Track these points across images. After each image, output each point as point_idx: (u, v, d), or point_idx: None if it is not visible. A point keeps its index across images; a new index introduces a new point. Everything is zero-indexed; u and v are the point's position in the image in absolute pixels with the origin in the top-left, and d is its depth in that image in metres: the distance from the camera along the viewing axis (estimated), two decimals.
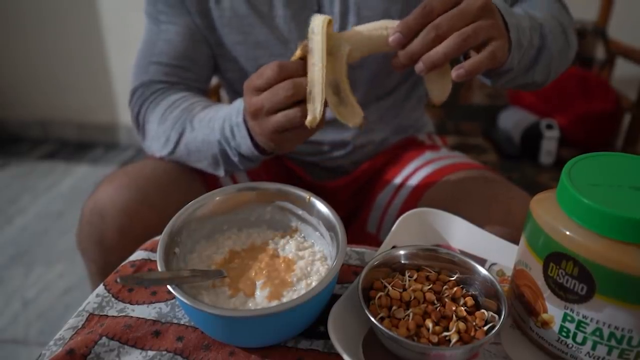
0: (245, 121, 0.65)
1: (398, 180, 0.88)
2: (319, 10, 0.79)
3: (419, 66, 0.54)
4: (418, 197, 0.81)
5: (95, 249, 0.74)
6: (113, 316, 0.52)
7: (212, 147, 0.72)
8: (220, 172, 0.76)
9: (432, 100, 0.60)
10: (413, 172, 0.86)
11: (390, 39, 0.55)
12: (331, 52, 0.57)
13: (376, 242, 0.85)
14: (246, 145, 0.67)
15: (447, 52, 0.53)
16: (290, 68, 0.56)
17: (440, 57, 0.53)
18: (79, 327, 0.51)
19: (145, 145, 0.84)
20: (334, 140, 0.89)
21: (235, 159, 0.71)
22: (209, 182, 0.83)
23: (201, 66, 0.85)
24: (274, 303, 0.49)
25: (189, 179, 0.81)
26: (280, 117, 0.57)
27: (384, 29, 0.56)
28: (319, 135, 0.88)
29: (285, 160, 0.94)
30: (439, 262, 0.53)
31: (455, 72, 0.54)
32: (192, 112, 0.76)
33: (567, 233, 0.42)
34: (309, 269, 0.53)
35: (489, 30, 0.54)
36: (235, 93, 0.91)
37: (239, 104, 0.67)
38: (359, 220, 0.92)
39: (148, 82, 0.82)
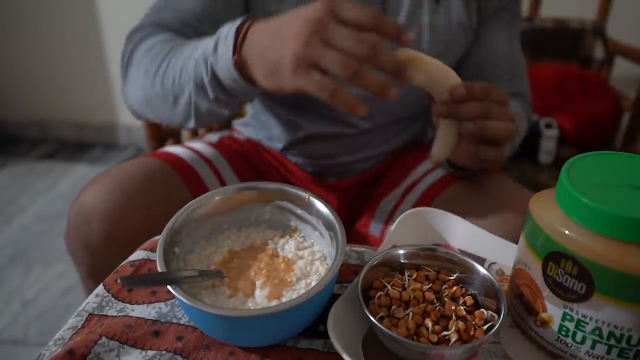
0: (237, 32, 0.60)
1: (404, 186, 0.87)
2: (384, 8, 0.80)
3: (469, 127, 0.62)
4: (427, 204, 0.81)
5: (83, 253, 0.73)
6: (113, 316, 0.52)
7: (188, 77, 0.65)
8: (190, 123, 0.72)
9: (433, 156, 0.67)
10: (420, 178, 0.86)
11: (456, 91, 0.61)
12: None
13: (379, 244, 0.85)
14: (225, 60, 0.60)
15: (497, 132, 0.63)
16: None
17: (492, 132, 0.62)
18: (79, 327, 0.51)
19: (123, 93, 0.79)
20: (349, 149, 0.90)
21: (208, 87, 0.64)
22: (193, 185, 0.81)
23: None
24: (274, 303, 0.49)
25: (174, 181, 0.79)
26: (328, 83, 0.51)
27: (451, 77, 0.62)
28: (335, 144, 0.89)
29: (286, 160, 0.94)
30: (439, 261, 0.53)
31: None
32: (181, 43, 0.70)
33: (566, 232, 0.42)
34: (308, 268, 0.53)
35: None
36: None
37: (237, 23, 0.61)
38: (361, 222, 0.91)
39: (154, 23, 0.76)
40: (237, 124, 1.02)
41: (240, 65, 0.60)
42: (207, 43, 0.64)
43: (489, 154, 0.65)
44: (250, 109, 0.97)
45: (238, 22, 0.61)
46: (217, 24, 0.71)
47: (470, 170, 0.78)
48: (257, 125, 0.96)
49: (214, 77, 0.63)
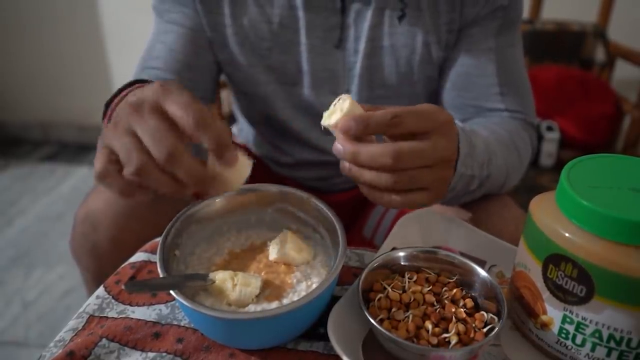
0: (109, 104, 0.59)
1: None
2: (340, 45, 0.77)
3: (346, 167, 0.50)
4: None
5: (89, 258, 0.73)
6: (113, 318, 0.52)
7: None
8: None
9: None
10: None
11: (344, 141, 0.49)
12: None
13: (371, 246, 0.85)
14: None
15: (389, 186, 0.48)
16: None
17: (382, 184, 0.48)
18: (79, 329, 0.51)
19: None
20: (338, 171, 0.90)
21: None
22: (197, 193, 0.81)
23: (202, 75, 0.79)
24: (274, 305, 0.49)
25: None
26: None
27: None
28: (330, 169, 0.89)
29: (283, 178, 0.95)
30: (439, 263, 0.53)
31: (366, 191, 0.52)
32: None
33: (567, 235, 0.42)
34: (308, 270, 0.53)
35: (434, 183, 0.50)
36: (241, 93, 0.87)
37: None
38: (355, 226, 0.92)
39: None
40: (234, 129, 1.02)
41: None
42: None
43: (399, 202, 0.50)
44: (243, 129, 0.97)
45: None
46: (194, 71, 0.74)
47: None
48: (252, 145, 0.96)
49: None
